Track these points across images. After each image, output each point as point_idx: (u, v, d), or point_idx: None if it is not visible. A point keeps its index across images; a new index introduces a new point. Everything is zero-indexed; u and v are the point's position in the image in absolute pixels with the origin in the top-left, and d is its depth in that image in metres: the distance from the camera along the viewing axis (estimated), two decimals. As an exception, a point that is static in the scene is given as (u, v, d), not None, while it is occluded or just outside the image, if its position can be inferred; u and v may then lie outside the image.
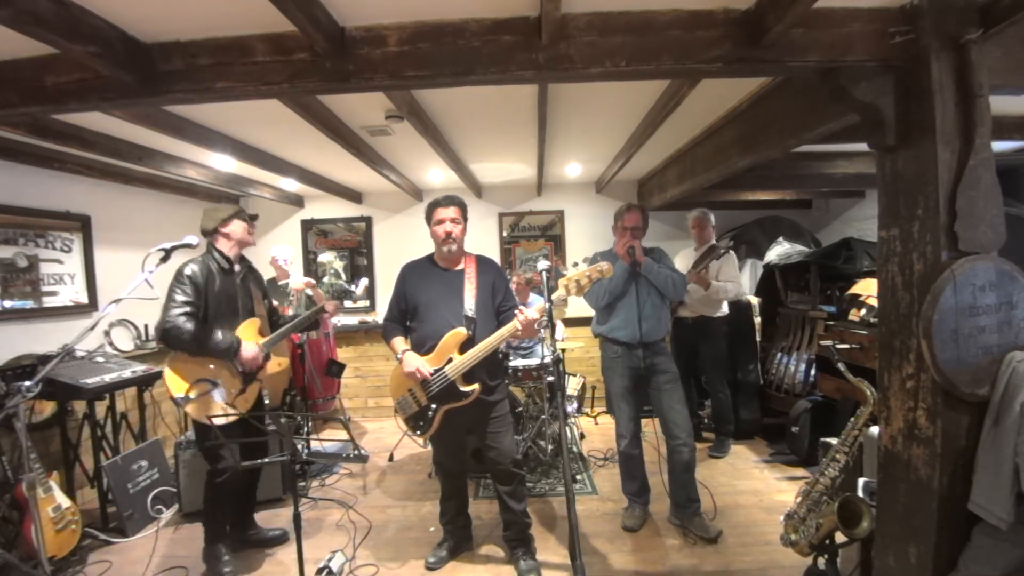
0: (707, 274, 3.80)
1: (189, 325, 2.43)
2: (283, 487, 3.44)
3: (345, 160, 3.75)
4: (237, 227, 2.71)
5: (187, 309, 2.45)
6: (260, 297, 2.85)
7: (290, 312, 3.76)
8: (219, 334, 2.50)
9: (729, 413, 4.12)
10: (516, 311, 2.42)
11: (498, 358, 2.69)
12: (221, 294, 2.60)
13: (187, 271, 2.52)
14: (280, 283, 4.36)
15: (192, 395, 2.46)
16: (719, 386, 4.10)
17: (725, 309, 4.09)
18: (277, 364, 2.78)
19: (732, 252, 3.93)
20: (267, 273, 4.42)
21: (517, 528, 2.63)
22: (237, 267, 2.73)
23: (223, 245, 2.68)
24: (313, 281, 4.53)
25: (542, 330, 2.44)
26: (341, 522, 3.20)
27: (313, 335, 4.29)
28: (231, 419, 2.43)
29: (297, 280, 4.42)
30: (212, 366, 2.55)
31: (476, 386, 2.45)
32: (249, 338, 2.65)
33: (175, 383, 2.49)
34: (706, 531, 2.83)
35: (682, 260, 4.17)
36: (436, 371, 2.46)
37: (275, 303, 3.10)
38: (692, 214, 4.14)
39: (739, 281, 3.93)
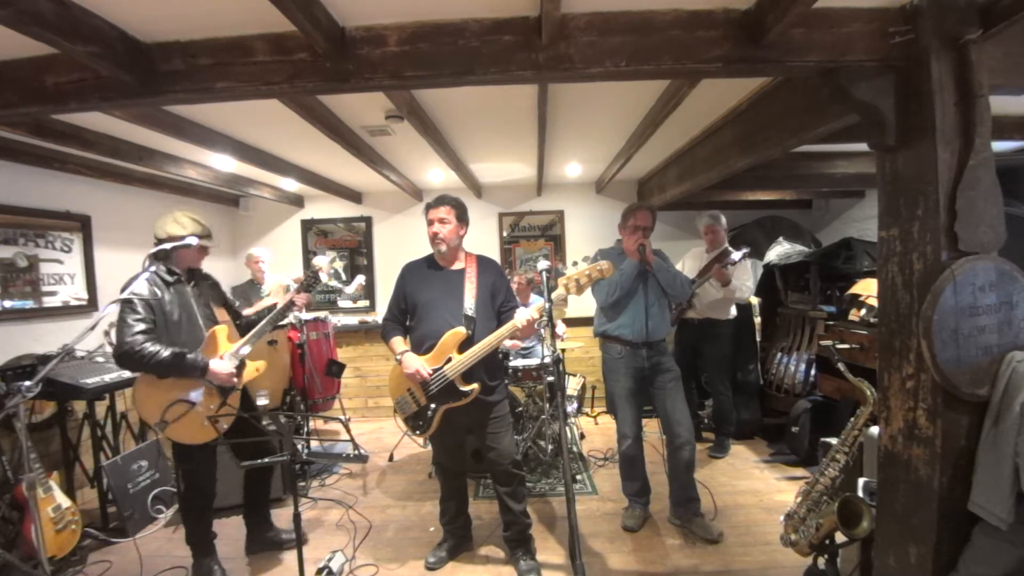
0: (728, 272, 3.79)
1: (149, 346, 2.28)
2: (283, 487, 3.44)
3: (345, 160, 3.75)
4: (185, 252, 2.48)
5: (142, 327, 2.30)
6: (220, 301, 2.68)
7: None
8: (186, 352, 2.33)
9: (730, 414, 4.12)
10: (516, 311, 2.42)
11: (498, 358, 2.69)
12: (175, 306, 2.43)
13: (134, 291, 2.30)
14: (261, 286, 4.38)
15: (169, 419, 2.33)
16: (721, 387, 4.10)
17: (733, 312, 4.09)
18: (255, 370, 2.60)
19: (747, 260, 3.91)
20: (241, 273, 4.42)
21: (517, 528, 2.63)
22: (184, 276, 2.53)
23: (173, 255, 2.48)
24: (301, 277, 4.54)
25: (542, 330, 2.44)
26: (341, 522, 3.20)
27: (313, 335, 4.30)
28: (226, 427, 2.38)
29: (273, 281, 4.43)
30: (183, 386, 2.40)
31: (475, 386, 2.45)
32: (220, 346, 2.50)
33: (146, 410, 2.36)
34: (708, 532, 2.83)
35: (692, 261, 4.17)
36: (435, 371, 2.46)
37: (236, 304, 2.89)
38: (704, 221, 4.11)
39: (751, 285, 3.93)
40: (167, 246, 2.37)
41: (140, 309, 2.33)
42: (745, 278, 3.87)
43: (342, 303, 5.67)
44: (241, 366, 2.54)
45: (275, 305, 2.76)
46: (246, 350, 2.55)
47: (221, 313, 2.65)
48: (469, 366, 2.43)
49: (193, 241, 2.46)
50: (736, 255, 3.77)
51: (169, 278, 2.46)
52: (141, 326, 2.31)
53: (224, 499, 3.07)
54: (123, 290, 2.27)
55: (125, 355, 2.29)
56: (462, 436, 2.73)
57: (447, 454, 2.71)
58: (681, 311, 4.07)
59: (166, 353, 2.30)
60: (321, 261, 5.03)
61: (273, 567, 2.76)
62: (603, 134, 3.63)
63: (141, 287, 2.32)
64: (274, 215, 5.64)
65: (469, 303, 2.50)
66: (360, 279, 3.96)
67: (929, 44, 1.64)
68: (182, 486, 2.59)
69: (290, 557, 2.76)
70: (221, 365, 2.43)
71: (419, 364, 2.46)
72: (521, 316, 2.38)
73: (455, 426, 2.59)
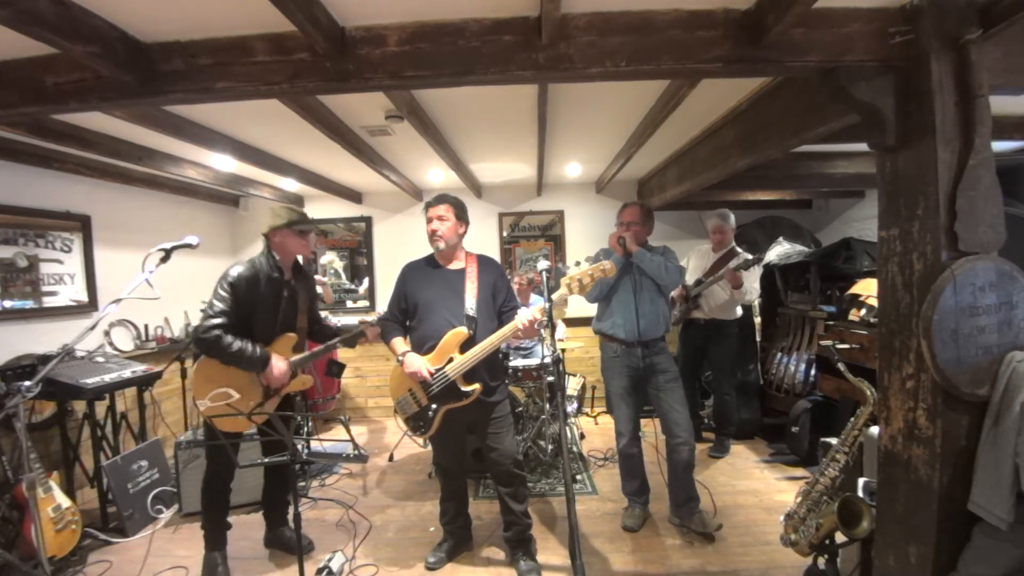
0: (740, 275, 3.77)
1: (226, 340, 2.38)
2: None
3: (345, 160, 3.75)
4: (287, 239, 2.58)
5: (223, 320, 2.40)
6: (305, 308, 2.73)
7: None
8: (250, 347, 2.43)
9: (733, 414, 4.12)
10: (518, 311, 2.41)
11: (499, 358, 2.69)
12: (263, 301, 2.51)
13: (232, 273, 2.45)
14: None
15: (211, 402, 2.46)
16: (726, 387, 4.10)
17: (739, 312, 4.09)
18: (301, 383, 2.69)
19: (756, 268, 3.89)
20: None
21: (517, 529, 2.63)
22: (287, 275, 2.63)
23: (277, 250, 2.59)
24: (325, 279, 4.52)
25: (542, 330, 2.44)
26: (341, 522, 3.20)
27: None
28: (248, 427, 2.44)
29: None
30: (234, 377, 2.50)
31: (477, 386, 2.45)
32: (281, 354, 2.58)
33: (197, 388, 2.49)
34: (706, 527, 2.83)
35: (697, 260, 4.17)
36: (437, 371, 2.45)
37: (322, 312, 3.01)
38: (712, 221, 4.11)
39: (758, 287, 3.93)
40: (167, 245, 2.37)
41: (228, 296, 2.42)
42: (752, 280, 3.87)
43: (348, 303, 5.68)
44: (294, 375, 2.62)
45: (340, 329, 2.86)
46: (302, 364, 2.65)
47: (302, 319, 2.70)
48: (471, 366, 2.43)
49: (193, 241, 2.46)
50: (743, 258, 3.76)
51: (274, 274, 2.54)
52: (222, 319, 2.39)
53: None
54: (224, 274, 2.45)
55: (200, 341, 2.39)
56: (463, 436, 2.73)
57: (447, 455, 2.71)
58: (687, 311, 4.07)
59: (236, 347, 2.39)
60: (326, 259, 5.03)
61: (274, 567, 2.76)
62: (603, 134, 3.63)
63: (239, 272, 2.45)
64: (274, 215, 5.63)
65: (470, 303, 2.50)
66: (367, 282, 3.97)
67: (929, 44, 1.64)
68: (207, 467, 2.64)
69: (291, 557, 2.76)
70: (281, 367, 2.51)
71: (421, 364, 2.46)
72: (522, 317, 2.38)
73: (456, 427, 2.59)
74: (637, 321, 2.83)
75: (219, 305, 2.41)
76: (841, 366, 2.30)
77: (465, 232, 2.62)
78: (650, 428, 3.46)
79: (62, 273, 3.67)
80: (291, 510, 2.21)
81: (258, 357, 2.44)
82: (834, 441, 2.20)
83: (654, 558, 2.71)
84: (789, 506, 2.22)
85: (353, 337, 2.77)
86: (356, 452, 2.33)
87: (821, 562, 2.11)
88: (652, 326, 2.88)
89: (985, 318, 1.62)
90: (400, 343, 2.59)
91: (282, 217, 2.57)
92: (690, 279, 4.09)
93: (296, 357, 2.63)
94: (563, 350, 3.84)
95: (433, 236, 2.53)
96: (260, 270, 2.52)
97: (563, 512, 3.18)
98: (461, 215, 2.58)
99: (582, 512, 3.16)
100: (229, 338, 2.39)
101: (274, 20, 1.65)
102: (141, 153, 3.40)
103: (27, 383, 2.00)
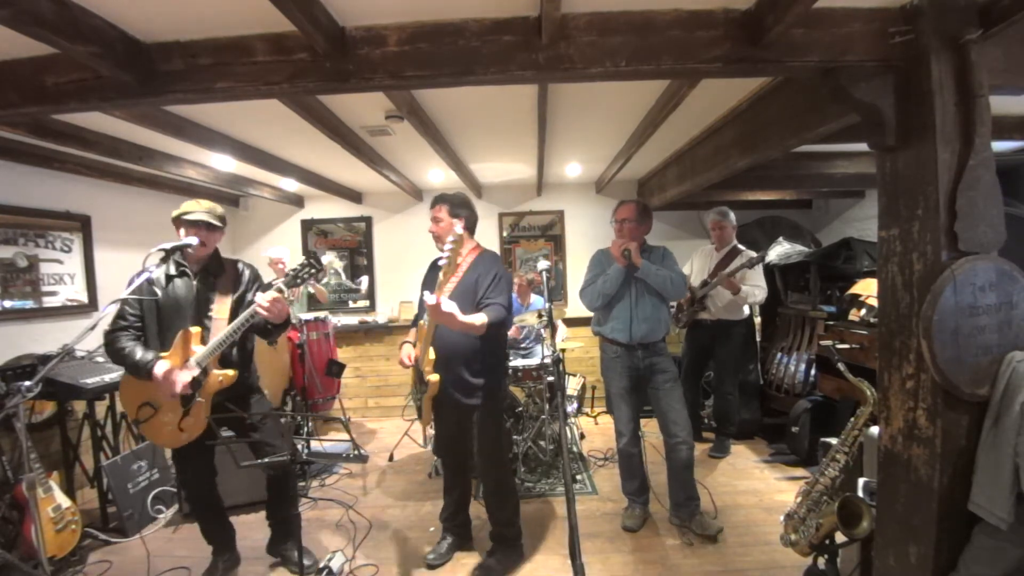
0: (737, 279, 3.75)
1: (119, 340, 2.29)
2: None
3: (345, 160, 3.75)
4: (182, 232, 2.41)
5: (121, 323, 2.33)
6: (226, 302, 2.44)
7: (292, 310, 3.59)
8: (138, 352, 2.27)
9: (734, 414, 4.11)
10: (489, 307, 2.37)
11: (481, 358, 2.50)
12: (169, 300, 2.38)
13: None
14: None
15: (141, 418, 2.34)
16: (729, 387, 4.09)
17: (746, 311, 4.09)
18: (218, 382, 2.33)
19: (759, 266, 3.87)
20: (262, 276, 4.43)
21: (497, 529, 2.67)
22: (191, 269, 2.44)
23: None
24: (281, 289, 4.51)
25: (543, 330, 2.44)
26: (341, 522, 3.20)
27: (313, 335, 4.29)
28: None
29: None
30: (151, 388, 2.30)
31: (434, 377, 2.39)
32: (181, 351, 2.32)
33: (124, 405, 2.39)
34: (706, 528, 2.83)
35: (701, 260, 4.15)
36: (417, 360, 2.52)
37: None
38: (711, 217, 4.10)
39: (764, 286, 3.90)
40: (167, 245, 2.37)
41: (129, 305, 2.34)
42: (757, 280, 3.86)
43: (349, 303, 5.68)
44: (204, 373, 2.31)
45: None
46: (204, 359, 2.30)
47: (220, 311, 2.41)
48: (424, 353, 2.41)
49: (193, 241, 2.45)
50: (747, 257, 3.76)
51: (173, 271, 2.41)
52: (121, 321, 2.33)
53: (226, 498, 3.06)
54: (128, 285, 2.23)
55: (105, 346, 2.36)
56: (454, 429, 2.71)
57: (439, 446, 2.76)
58: (694, 313, 4.06)
59: (126, 351, 2.28)
60: (327, 259, 5.01)
61: (274, 567, 2.76)
62: (603, 134, 3.63)
63: (136, 284, 2.28)
64: (274, 215, 5.63)
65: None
66: (365, 280, 3.95)
67: (929, 44, 1.64)
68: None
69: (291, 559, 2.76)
70: (163, 368, 2.25)
71: (407, 351, 2.53)
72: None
73: (447, 422, 2.60)
74: (638, 327, 2.84)
75: (122, 309, 2.33)
76: (841, 366, 2.30)
77: (465, 224, 2.52)
78: (649, 428, 3.46)
79: (62, 273, 3.67)
80: (291, 517, 2.19)
81: (141, 362, 2.25)
82: (834, 441, 2.20)
83: (654, 558, 2.70)
84: (789, 506, 2.22)
85: (249, 316, 2.30)
86: (356, 452, 2.31)
87: (821, 562, 2.10)
88: (652, 331, 2.88)
89: (985, 318, 1.62)
90: (411, 335, 2.66)
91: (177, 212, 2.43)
92: (695, 280, 4.08)
93: (201, 352, 2.31)
94: (563, 350, 3.84)
95: (436, 239, 2.55)
96: (167, 268, 2.42)
97: (563, 512, 3.17)
98: (455, 212, 2.52)
99: (582, 512, 3.15)
100: (126, 342, 2.30)
101: (274, 20, 1.65)
102: (141, 153, 3.40)
103: (27, 383, 2.00)
